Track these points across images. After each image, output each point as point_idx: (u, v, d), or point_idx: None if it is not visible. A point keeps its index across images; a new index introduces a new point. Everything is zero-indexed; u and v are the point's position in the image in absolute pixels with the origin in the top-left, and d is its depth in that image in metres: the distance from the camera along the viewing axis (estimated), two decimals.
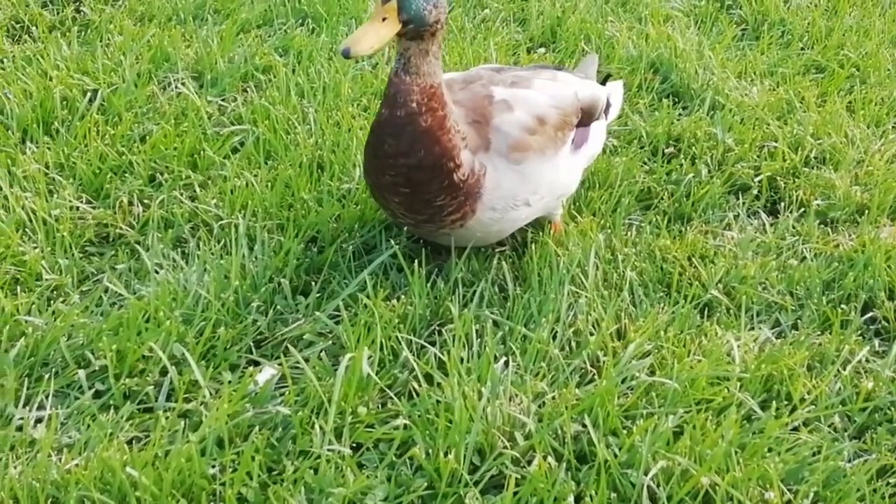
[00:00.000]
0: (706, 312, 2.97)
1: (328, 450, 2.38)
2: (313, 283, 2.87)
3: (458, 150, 2.70)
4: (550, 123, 2.88)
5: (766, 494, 2.38)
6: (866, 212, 3.40)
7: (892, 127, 3.88)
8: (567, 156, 2.97)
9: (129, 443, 2.42)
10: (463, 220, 2.80)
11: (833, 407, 2.67)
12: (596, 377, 2.69)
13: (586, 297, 2.90)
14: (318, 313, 2.77)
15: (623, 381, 2.65)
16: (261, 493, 2.31)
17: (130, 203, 3.14)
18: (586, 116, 3.04)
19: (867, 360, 2.84)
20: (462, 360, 2.63)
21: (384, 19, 2.59)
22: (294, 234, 3.00)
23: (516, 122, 2.82)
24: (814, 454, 2.52)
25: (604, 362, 2.72)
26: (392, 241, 2.97)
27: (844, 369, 2.78)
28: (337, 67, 3.80)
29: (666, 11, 4.56)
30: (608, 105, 3.30)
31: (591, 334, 2.80)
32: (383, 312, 2.72)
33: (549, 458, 2.41)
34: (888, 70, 4.23)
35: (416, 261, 2.90)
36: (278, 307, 2.81)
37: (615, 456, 2.44)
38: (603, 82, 3.38)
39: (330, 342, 2.71)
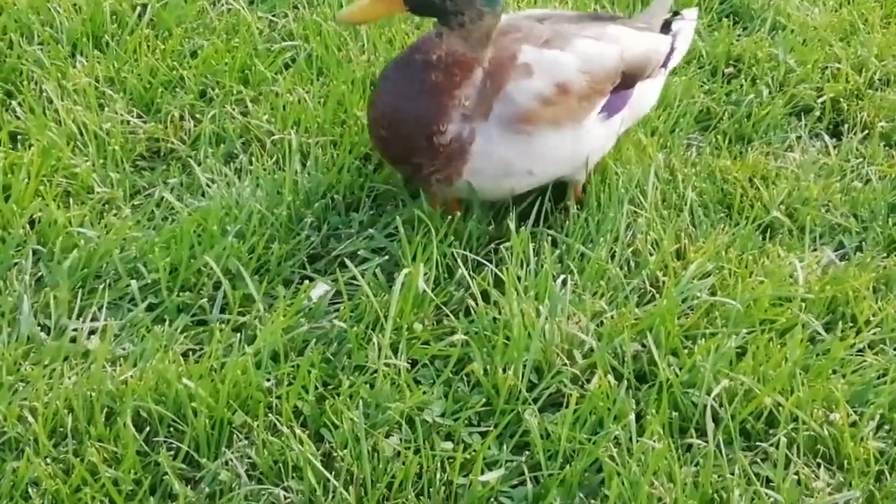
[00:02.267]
0: (768, 234, 2.90)
1: (385, 364, 2.35)
2: (366, 199, 2.83)
3: (446, 118, 2.56)
4: (574, 92, 2.66)
5: (832, 416, 2.33)
6: None
7: None
8: (591, 125, 2.74)
9: (184, 355, 2.39)
10: (448, 181, 2.64)
11: None
12: (656, 297, 2.64)
13: (645, 216, 2.83)
14: (371, 230, 2.73)
15: (684, 301, 2.60)
16: (317, 406, 2.28)
17: (181, 118, 3.09)
18: (629, 79, 2.81)
19: None
20: (519, 278, 2.58)
21: None
22: (348, 151, 2.95)
23: (531, 90, 2.61)
24: (880, 376, 2.47)
25: (664, 282, 2.66)
26: None
27: None
28: None
29: None
30: (671, 51, 3.02)
31: (651, 254, 2.74)
32: (440, 228, 2.67)
33: (609, 377, 2.36)
34: None
35: None
36: (331, 223, 2.76)
37: (676, 375, 2.39)
38: (665, 26, 3.07)
39: (385, 258, 2.67)
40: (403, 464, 2.18)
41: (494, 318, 2.49)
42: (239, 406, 2.25)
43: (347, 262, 2.60)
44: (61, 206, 2.74)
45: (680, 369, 2.42)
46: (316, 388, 2.31)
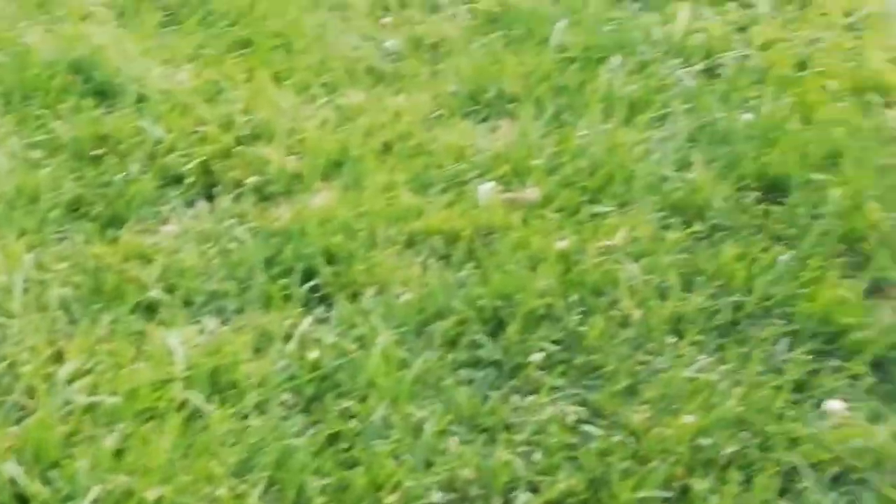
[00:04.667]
0: (149, 315, 2.87)
1: None
2: None
3: None
4: None
5: (217, 492, 2.33)
6: (301, 180, 3.42)
7: (322, 88, 3.92)
8: None
9: None
10: None
11: (281, 385, 2.65)
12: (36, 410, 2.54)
13: (17, 326, 2.72)
14: None
15: (63, 408, 2.51)
16: None
17: None
18: None
19: (313, 330, 2.84)
20: None
21: None
22: None
23: None
24: (264, 438, 2.50)
25: (42, 392, 2.56)
26: None
27: (289, 344, 2.77)
28: None
29: (85, 8, 4.38)
30: None
31: (26, 364, 2.63)
32: None
33: None
34: (312, 34, 4.27)
35: None
36: None
37: (57, 491, 2.30)
38: None
39: None
40: None
41: None
42: None
43: None
44: None
45: (63, 482, 2.33)
46: None
